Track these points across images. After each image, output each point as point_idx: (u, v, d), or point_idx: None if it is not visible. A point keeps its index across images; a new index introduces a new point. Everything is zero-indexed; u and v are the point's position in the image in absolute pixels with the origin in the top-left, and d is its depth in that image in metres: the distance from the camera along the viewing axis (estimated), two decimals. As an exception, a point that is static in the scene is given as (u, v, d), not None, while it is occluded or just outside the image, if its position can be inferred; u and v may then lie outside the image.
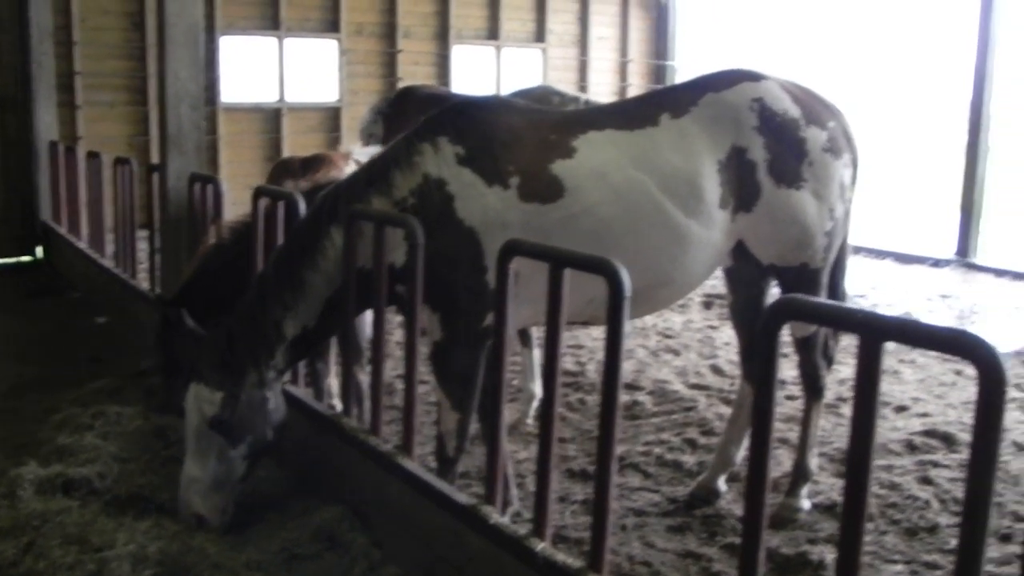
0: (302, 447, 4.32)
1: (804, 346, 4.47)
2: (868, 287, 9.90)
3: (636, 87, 15.12)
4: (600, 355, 6.84)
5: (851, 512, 2.06)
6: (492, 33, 13.95)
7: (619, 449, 5.21)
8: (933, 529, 4.39)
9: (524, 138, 3.95)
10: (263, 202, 4.73)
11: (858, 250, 11.60)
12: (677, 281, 4.08)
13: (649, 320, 7.64)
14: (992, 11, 10.73)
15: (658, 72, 15.36)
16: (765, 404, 2.20)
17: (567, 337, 6.64)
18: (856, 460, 2.04)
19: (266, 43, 12.43)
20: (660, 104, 4.20)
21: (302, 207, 4.42)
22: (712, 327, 7.86)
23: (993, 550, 4.15)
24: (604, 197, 3.87)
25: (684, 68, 15.52)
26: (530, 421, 5.64)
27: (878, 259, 11.48)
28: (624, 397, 6.02)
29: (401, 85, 12.31)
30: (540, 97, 7.32)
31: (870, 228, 13.26)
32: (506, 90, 13.06)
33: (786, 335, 4.71)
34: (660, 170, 3.95)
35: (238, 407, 3.83)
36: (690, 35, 16.09)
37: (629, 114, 4.17)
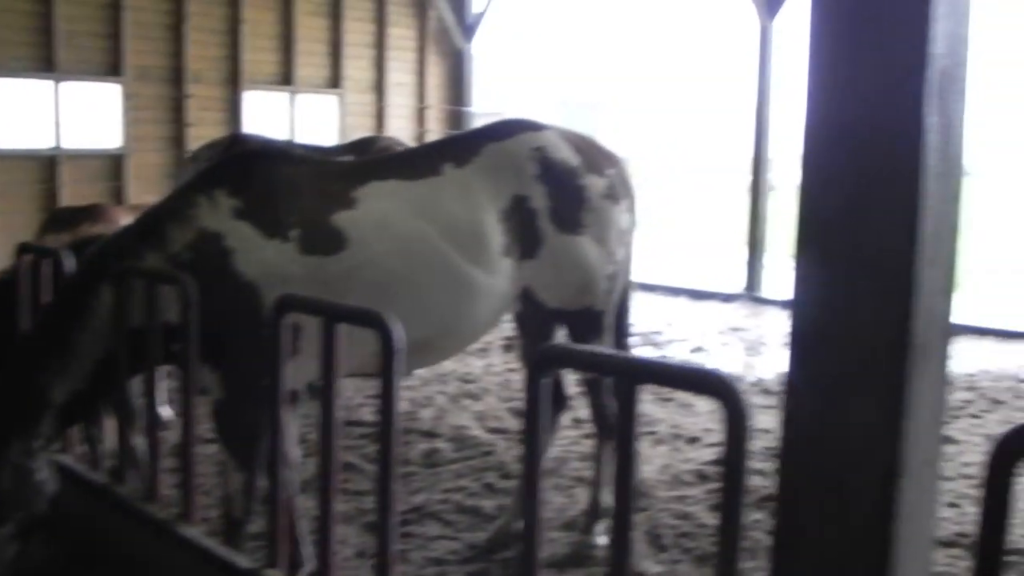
0: (77, 518, 4.09)
1: (591, 388, 4.57)
2: (664, 324, 10.25)
3: (435, 133, 15.23)
4: (400, 404, 6.80)
5: (618, 543, 2.09)
6: (286, 78, 13.78)
7: (418, 498, 5.19)
8: (752, 551, 4.54)
9: (305, 189, 3.90)
10: (28, 258, 4.49)
11: (654, 288, 12.02)
12: (463, 330, 4.11)
13: (449, 365, 7.65)
14: (768, 58, 11.37)
15: (457, 118, 15.52)
16: (533, 449, 2.22)
17: (367, 387, 6.56)
18: (620, 493, 2.08)
19: (41, 86, 11.81)
20: (443, 154, 4.24)
21: (69, 263, 4.21)
22: (512, 370, 7.94)
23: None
24: (387, 248, 3.86)
25: (482, 114, 15.74)
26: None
27: (673, 296, 11.89)
28: (422, 445, 6.00)
29: (197, 131, 12.03)
30: (378, 148, 7.35)
31: (664, 267, 13.79)
32: (300, 137, 12.96)
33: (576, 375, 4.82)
34: (443, 220, 3.97)
35: (1, 482, 3.58)
36: (488, 81, 16.37)
37: (412, 164, 4.19)
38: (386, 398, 2.72)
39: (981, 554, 1.71)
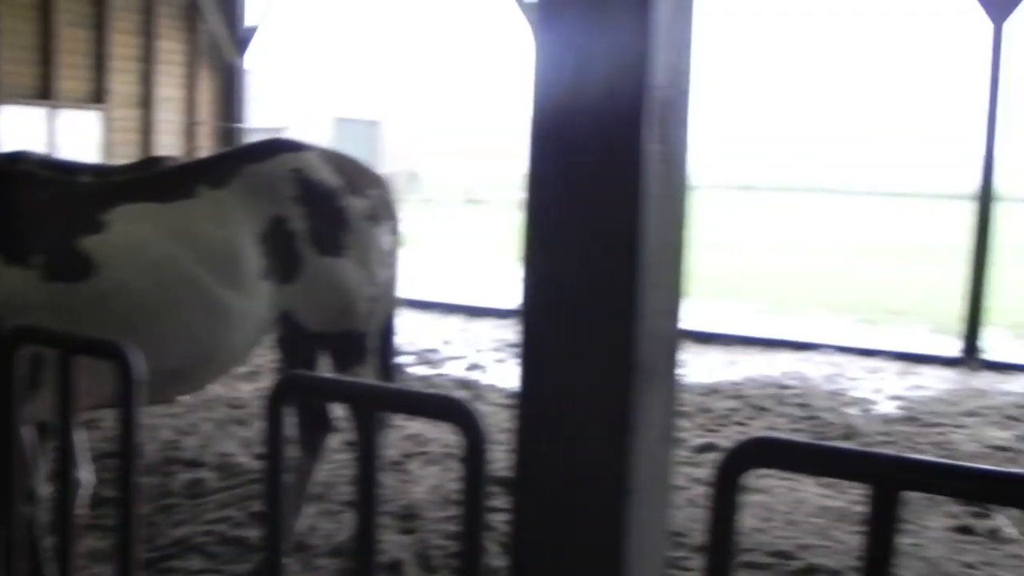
0: None
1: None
2: (440, 342, 10.30)
3: (207, 150, 14.78)
4: (163, 432, 6.54)
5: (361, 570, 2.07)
6: (44, 92, 13.06)
7: (180, 531, 4.99)
8: (495, 572, 4.58)
9: (50, 213, 3.71)
10: None
11: (429, 306, 12.07)
12: (221, 355, 4.00)
13: (216, 390, 7.41)
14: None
15: (229, 134, 15.12)
16: (275, 481, 2.17)
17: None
18: (361, 517, 2.06)
19: None
20: (198, 175, 4.12)
21: None
22: (284, 393, 7.77)
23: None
24: (138, 273, 3.72)
25: (257, 130, 15.41)
26: (83, 510, 5.24)
27: (448, 314, 11.97)
28: (185, 475, 5.79)
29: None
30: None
31: (439, 285, 13.89)
32: (61, 153, 12.28)
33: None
34: (198, 243, 3.86)
35: None
36: (263, 96, 16.01)
37: (165, 186, 4.06)
38: (126, 432, 2.59)
39: (710, 559, 1.79)
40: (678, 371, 2.03)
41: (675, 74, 1.81)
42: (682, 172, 1.85)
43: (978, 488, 1.66)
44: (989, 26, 9.45)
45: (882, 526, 1.63)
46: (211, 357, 3.95)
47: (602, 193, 1.74)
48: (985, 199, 9.66)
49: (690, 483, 5.83)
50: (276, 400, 2.12)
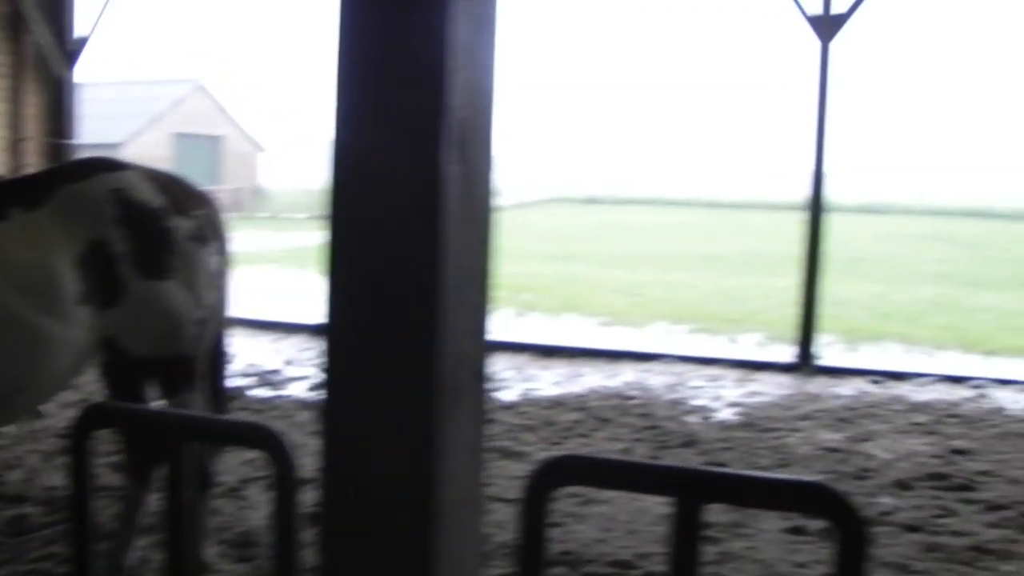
0: None
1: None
2: (282, 362, 10.09)
3: (34, 167, 14.15)
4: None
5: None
6: None
7: (2, 571, 4.73)
8: None
9: None
10: None
11: (271, 326, 11.83)
12: (38, 385, 3.80)
13: (46, 420, 7.08)
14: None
15: (58, 151, 14.51)
16: (81, 511, 2.06)
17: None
18: (173, 550, 1.98)
19: None
20: (10, 197, 3.91)
21: None
22: (117, 420, 7.47)
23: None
24: (-57, 300, 3.51)
25: (88, 146, 14.84)
26: None
27: (290, 334, 11.73)
28: (8, 511, 5.49)
29: None
30: None
31: (282, 304, 13.65)
32: None
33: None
34: (10, 268, 3.66)
35: None
36: (96, 111, 15.43)
37: (-27, 208, 3.84)
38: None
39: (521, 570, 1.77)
40: (486, 390, 2.02)
41: (475, 94, 1.80)
42: (485, 192, 1.84)
43: (772, 497, 1.68)
44: (817, 45, 9.86)
45: (685, 537, 1.64)
46: (26, 387, 3.75)
47: (402, 214, 1.72)
48: (815, 210, 10.05)
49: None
50: (80, 432, 2.01)
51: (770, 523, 5.51)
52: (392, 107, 1.71)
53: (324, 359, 1.85)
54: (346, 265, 1.77)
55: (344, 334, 1.78)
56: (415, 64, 1.69)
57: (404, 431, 1.73)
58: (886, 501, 5.96)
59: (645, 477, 1.77)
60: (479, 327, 1.88)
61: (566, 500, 5.81)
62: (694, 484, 1.71)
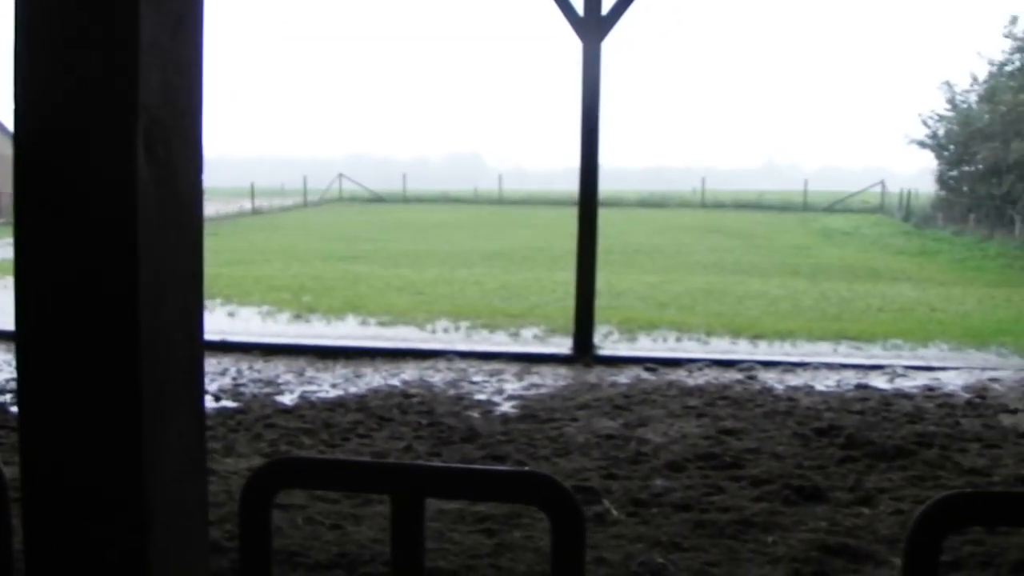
0: None
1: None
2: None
3: None
4: None
5: None
6: None
7: None
8: None
9: None
10: None
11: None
12: None
13: None
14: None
15: None
16: None
17: None
18: None
19: None
20: None
21: None
22: None
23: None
24: None
25: None
26: None
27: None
28: None
29: None
30: None
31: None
32: None
33: None
34: None
35: None
36: None
37: None
38: None
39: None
40: (200, 398, 1.88)
41: (173, 93, 1.65)
42: (189, 194, 1.71)
43: (490, 489, 1.62)
44: (579, 46, 10.05)
45: (406, 533, 1.56)
46: None
47: (95, 221, 1.56)
48: (587, 205, 10.26)
49: (310, 501, 5.67)
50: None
51: (548, 512, 5.54)
52: (80, 110, 1.55)
53: (18, 372, 1.67)
54: (36, 276, 1.60)
55: (38, 349, 1.60)
56: (106, 61, 1.54)
57: (108, 443, 1.57)
58: (659, 483, 6.10)
59: (365, 476, 1.67)
60: (191, 333, 1.73)
61: (345, 502, 5.68)
62: (413, 480, 1.62)
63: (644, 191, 50.51)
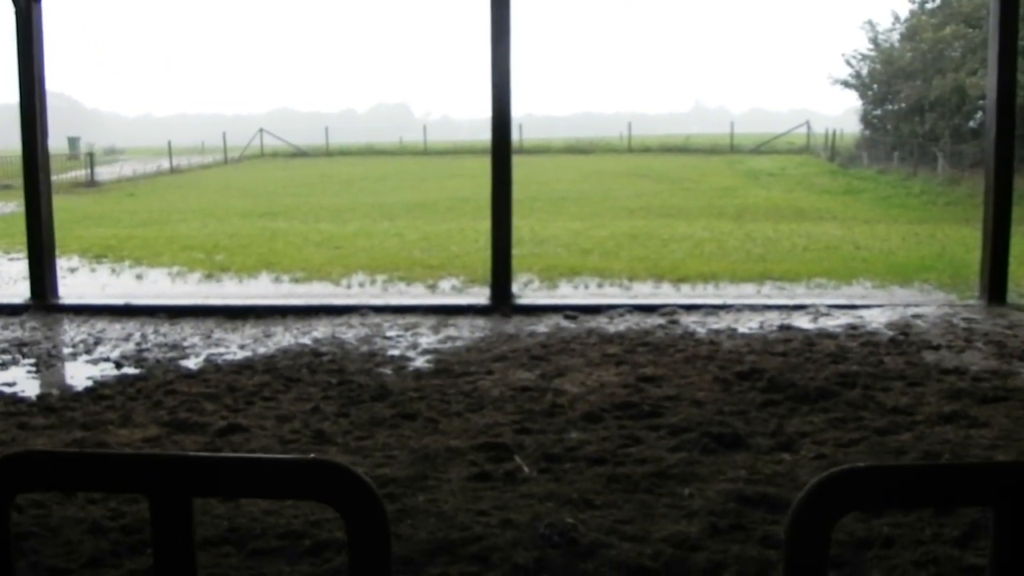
0: None
1: None
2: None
3: None
4: None
5: None
6: None
7: None
8: None
9: None
10: None
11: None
12: None
13: None
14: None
15: None
16: None
17: None
18: None
19: None
20: None
21: None
22: None
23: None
24: None
25: None
26: None
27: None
28: None
29: None
30: None
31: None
32: None
33: None
34: None
35: None
36: None
37: None
38: None
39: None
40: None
41: None
42: None
43: (265, 484, 1.28)
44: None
45: (168, 542, 1.21)
46: None
47: None
48: (500, 151, 9.91)
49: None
50: None
51: (458, 471, 5.25)
52: None
53: None
54: None
55: None
56: None
57: None
58: (574, 436, 5.83)
59: (115, 471, 1.32)
60: None
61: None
62: (175, 476, 1.28)
63: (571, 138, 50.09)
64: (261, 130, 51.35)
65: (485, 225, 11.09)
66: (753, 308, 9.85)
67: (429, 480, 5.09)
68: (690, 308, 9.80)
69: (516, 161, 10.36)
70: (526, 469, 5.26)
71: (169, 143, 43.51)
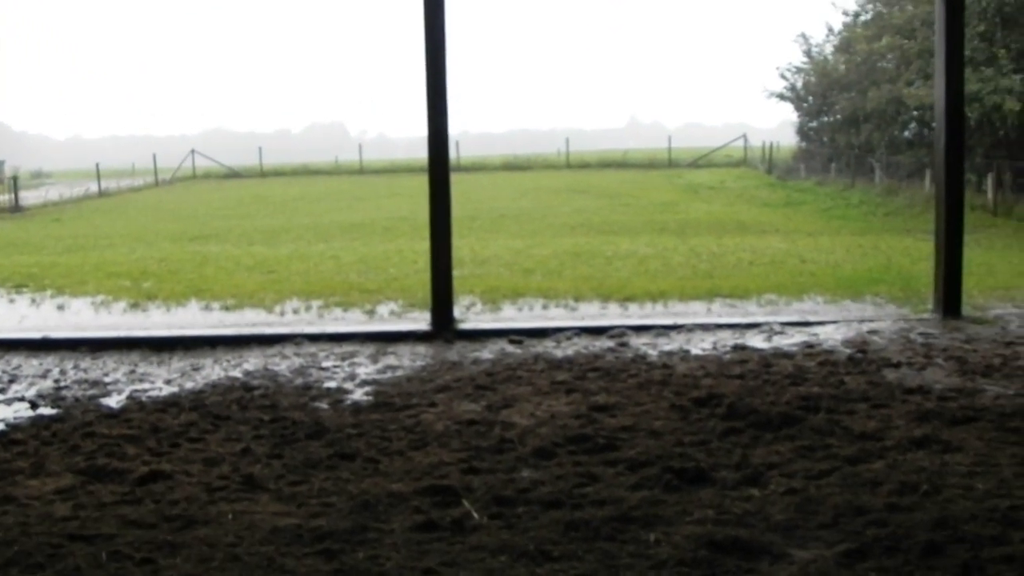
0: None
1: None
2: None
3: None
4: None
5: None
6: None
7: None
8: None
9: None
10: None
11: None
12: None
13: None
14: None
15: None
16: None
17: None
18: None
19: None
20: None
21: None
22: None
23: None
24: None
25: None
26: None
27: None
28: None
29: None
30: None
31: None
32: None
33: None
34: None
35: None
36: None
37: None
38: None
39: None
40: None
41: None
42: None
43: None
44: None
45: None
46: None
47: None
48: (437, 172, 9.50)
49: (122, 528, 4.78)
50: None
51: (401, 520, 4.78)
52: None
53: None
54: None
55: None
56: None
57: None
58: (526, 475, 5.40)
59: None
60: None
61: (164, 525, 4.82)
62: None
63: (509, 155, 49.80)
64: (193, 151, 50.43)
65: (424, 246, 10.68)
66: (705, 327, 9.51)
67: (370, 532, 4.62)
68: (640, 329, 9.43)
69: (454, 179, 9.95)
70: (475, 515, 4.81)
71: (97, 165, 42.47)
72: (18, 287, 14.72)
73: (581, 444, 5.91)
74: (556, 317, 10.73)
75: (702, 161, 45.31)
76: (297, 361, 8.61)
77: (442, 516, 4.81)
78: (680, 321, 9.78)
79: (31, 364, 9.00)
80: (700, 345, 8.80)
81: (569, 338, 9.18)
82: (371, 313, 11.38)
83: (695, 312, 10.86)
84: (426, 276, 10.26)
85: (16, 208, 33.83)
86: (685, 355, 8.41)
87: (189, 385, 7.99)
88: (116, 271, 15.97)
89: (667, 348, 8.70)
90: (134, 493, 5.42)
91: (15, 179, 37.39)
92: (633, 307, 11.42)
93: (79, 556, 4.42)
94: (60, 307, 12.88)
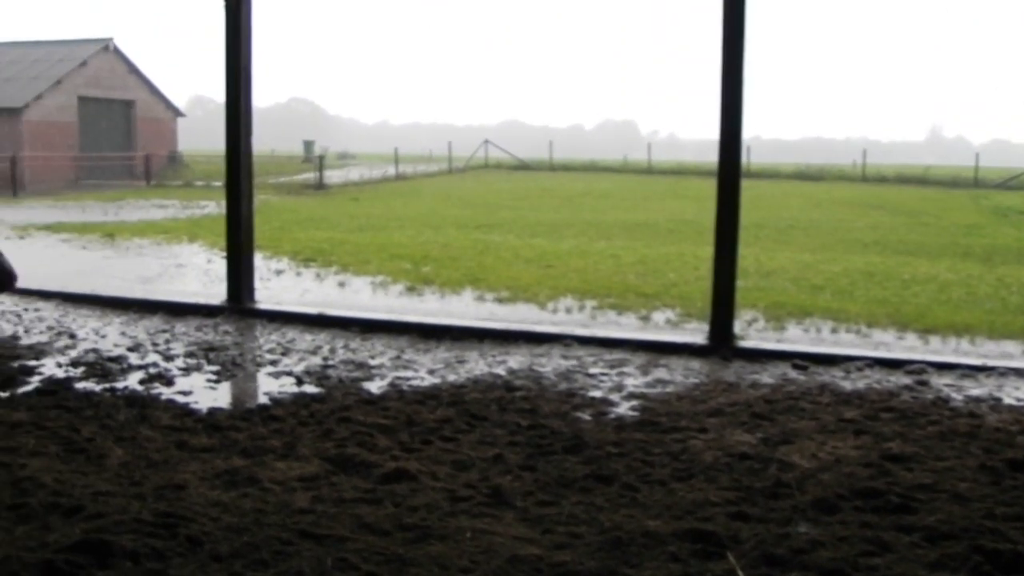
0: None
1: None
2: (128, 347, 8.71)
3: None
4: None
5: None
6: None
7: None
8: None
9: None
10: None
11: (129, 304, 10.45)
12: None
13: None
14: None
15: None
16: None
17: None
18: None
19: None
20: None
21: None
22: None
23: None
24: None
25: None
26: None
27: (148, 314, 10.34)
28: None
29: None
30: None
31: (152, 280, 12.20)
32: None
33: None
34: None
35: None
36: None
37: None
38: None
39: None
40: None
41: None
42: None
43: None
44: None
45: None
46: None
47: None
48: (727, 176, 8.84)
49: (356, 531, 4.52)
50: None
51: (650, 567, 4.25)
52: None
53: None
54: None
55: None
56: None
57: None
58: (803, 531, 4.71)
59: None
60: None
61: (396, 535, 4.53)
62: None
63: (801, 163, 47.80)
64: (487, 141, 51.67)
65: (706, 251, 10.06)
66: (1019, 373, 8.32)
67: (623, 576, 4.11)
68: (942, 367, 8.37)
69: (743, 185, 9.25)
70: (740, 573, 4.19)
71: (396, 150, 44.33)
72: (307, 261, 15.28)
73: (870, 500, 5.13)
74: (846, 343, 9.80)
75: (1013, 183, 41.64)
76: (563, 364, 8.23)
77: (702, 570, 4.23)
78: (990, 363, 8.62)
79: (304, 339, 9.13)
80: (1014, 394, 7.68)
81: (860, 369, 8.28)
82: (646, 319, 10.87)
83: (1008, 353, 9.62)
84: (706, 284, 9.63)
85: (320, 186, 35.82)
86: (996, 404, 7.34)
87: (451, 378, 7.78)
88: (399, 253, 16.28)
89: (974, 393, 7.64)
90: (375, 492, 5.16)
91: (322, 159, 39.64)
92: (934, 340, 10.29)
93: (305, 558, 4.16)
94: (341, 284, 13.18)
